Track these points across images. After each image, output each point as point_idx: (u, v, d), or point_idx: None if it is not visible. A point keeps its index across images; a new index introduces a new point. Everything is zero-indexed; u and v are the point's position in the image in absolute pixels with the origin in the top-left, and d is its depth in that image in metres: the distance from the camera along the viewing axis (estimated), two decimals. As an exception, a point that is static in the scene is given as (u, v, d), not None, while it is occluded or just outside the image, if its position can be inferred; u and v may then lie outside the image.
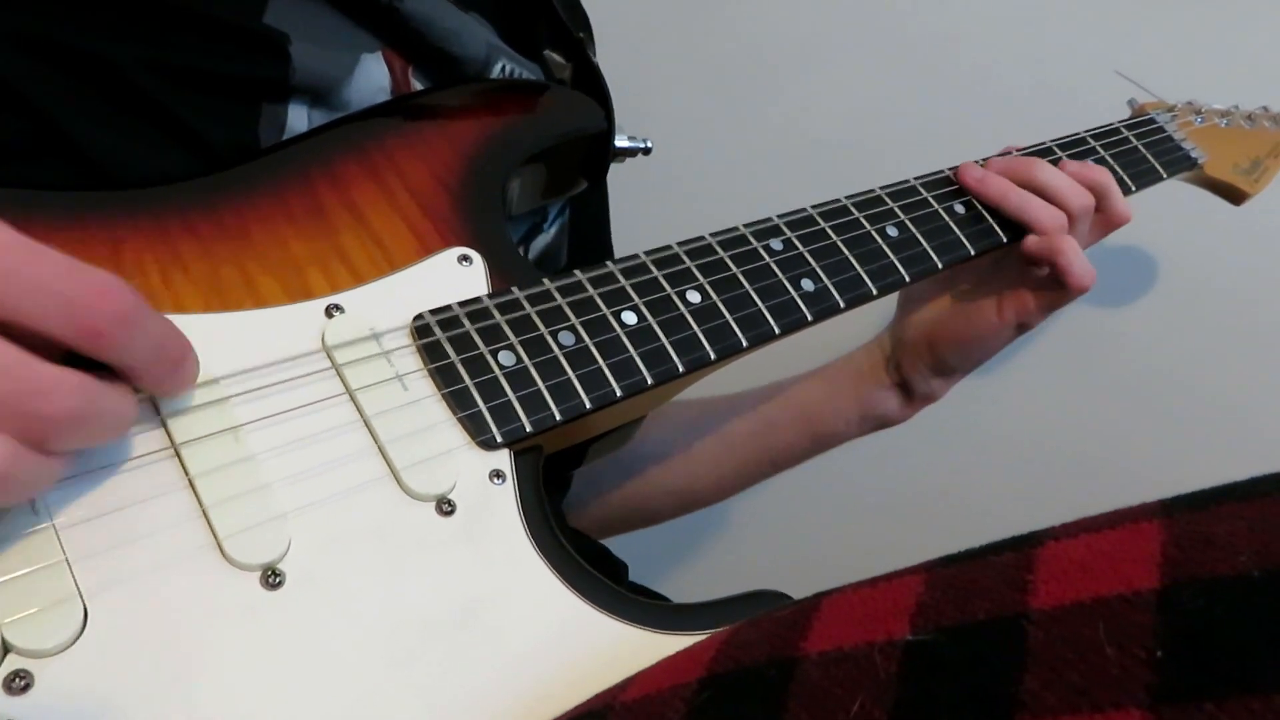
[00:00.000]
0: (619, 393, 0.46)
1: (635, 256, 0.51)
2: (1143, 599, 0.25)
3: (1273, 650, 0.22)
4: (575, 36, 0.60)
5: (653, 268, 0.51)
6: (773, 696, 0.28)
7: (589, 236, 0.69)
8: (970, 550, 0.30)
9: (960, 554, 0.30)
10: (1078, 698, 0.23)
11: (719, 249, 0.53)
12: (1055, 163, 0.64)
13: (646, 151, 0.63)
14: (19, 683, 0.33)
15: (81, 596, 0.34)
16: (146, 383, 0.36)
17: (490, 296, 0.47)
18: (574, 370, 0.46)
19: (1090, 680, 0.24)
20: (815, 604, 0.31)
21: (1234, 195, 0.78)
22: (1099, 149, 0.67)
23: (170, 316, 0.41)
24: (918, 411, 0.69)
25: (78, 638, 0.34)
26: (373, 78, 0.53)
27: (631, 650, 0.40)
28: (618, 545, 0.69)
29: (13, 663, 0.33)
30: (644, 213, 0.72)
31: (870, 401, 0.69)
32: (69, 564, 0.35)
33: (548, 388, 0.45)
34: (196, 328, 0.42)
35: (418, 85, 0.56)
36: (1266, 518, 0.25)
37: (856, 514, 0.93)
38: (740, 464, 0.72)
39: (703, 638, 0.34)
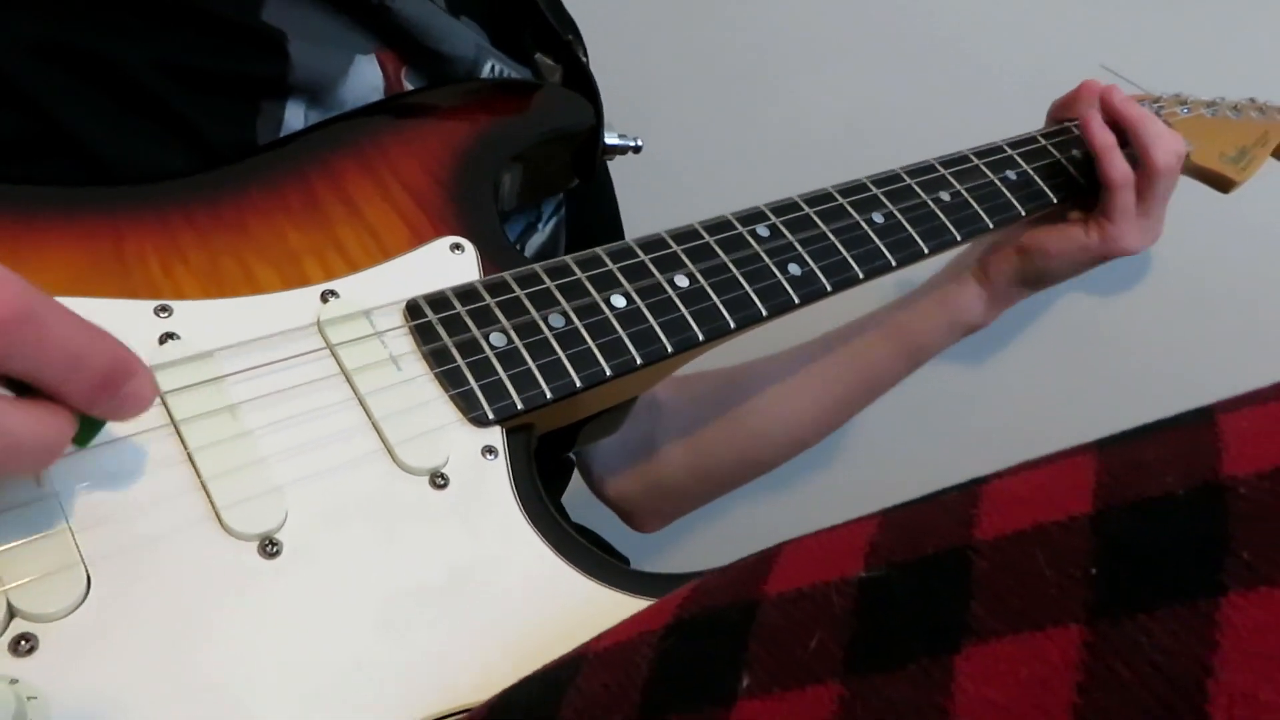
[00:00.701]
0: (609, 372, 0.47)
1: (624, 243, 0.52)
2: (1077, 523, 0.25)
3: (1196, 560, 0.23)
4: (564, 39, 0.62)
5: (641, 253, 0.52)
6: (734, 637, 0.29)
7: (602, 234, 0.70)
8: (922, 496, 0.31)
9: (913, 500, 0.31)
10: (1019, 619, 0.24)
11: (706, 234, 0.54)
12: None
13: (636, 150, 0.64)
14: (25, 645, 0.34)
15: (84, 563, 0.35)
16: (73, 400, 0.32)
17: (481, 280, 0.48)
18: (564, 350, 0.47)
19: (1030, 602, 0.24)
20: (777, 550, 0.32)
21: (1222, 183, 0.79)
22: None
23: (170, 302, 0.43)
24: (999, 314, 0.73)
25: (81, 603, 0.35)
26: (366, 78, 0.55)
27: (615, 613, 0.40)
28: (617, 542, 0.70)
29: (18, 626, 0.34)
30: (635, 211, 0.73)
31: (956, 305, 0.72)
32: (72, 532, 0.36)
33: (538, 367, 0.46)
34: (195, 311, 0.43)
35: (410, 86, 0.57)
36: (1190, 441, 0.26)
37: (852, 508, 0.93)
38: (840, 396, 0.74)
39: None
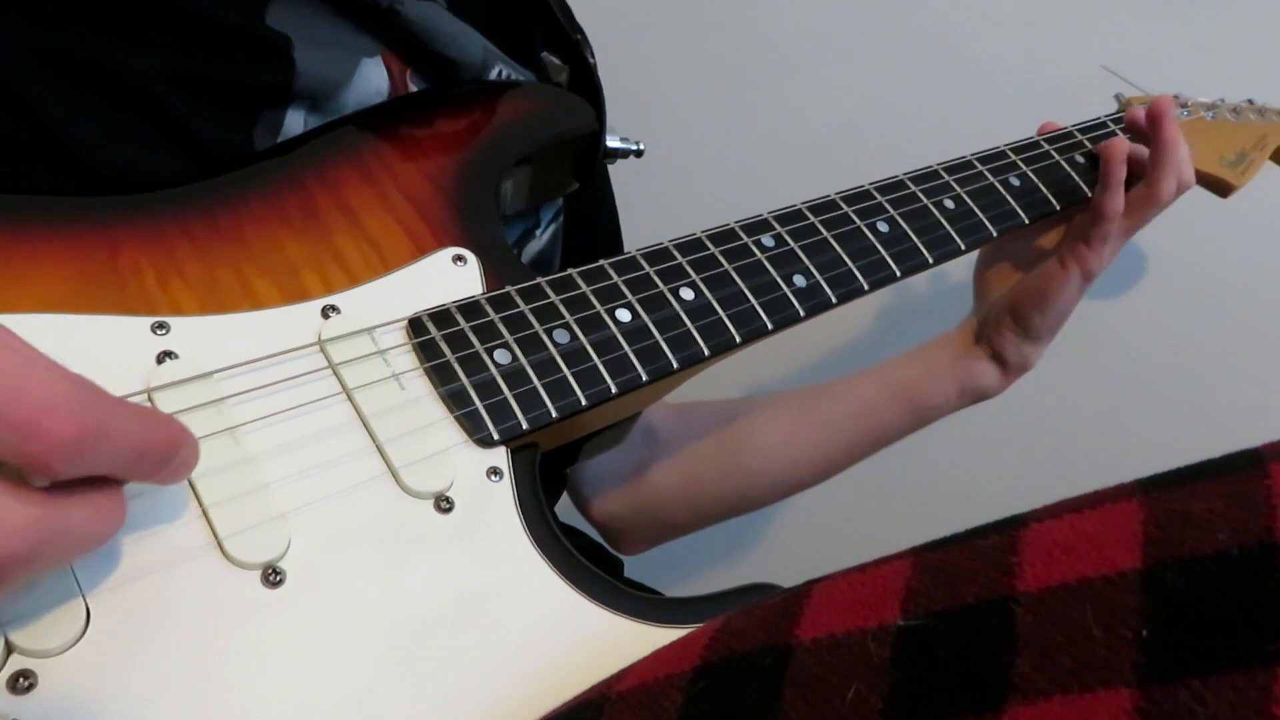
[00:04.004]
0: (614, 390, 0.47)
1: (628, 254, 0.51)
2: (1126, 579, 0.25)
3: (1252, 626, 0.23)
4: (572, 38, 0.61)
5: (645, 264, 0.51)
6: (768, 684, 0.28)
7: (600, 241, 0.70)
8: (956, 535, 0.31)
9: (946, 538, 0.31)
10: (1068, 679, 0.24)
11: (710, 245, 0.53)
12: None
13: (638, 154, 0.63)
14: (23, 683, 0.33)
15: (84, 597, 0.35)
16: (134, 480, 0.33)
17: (485, 295, 0.47)
18: (569, 368, 0.46)
19: (1079, 661, 0.24)
20: (806, 591, 0.31)
21: (1221, 188, 0.78)
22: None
23: (167, 319, 0.42)
24: (1014, 381, 0.72)
25: (80, 638, 0.34)
26: (371, 82, 0.53)
27: (628, 643, 0.40)
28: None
29: (16, 663, 0.33)
30: (637, 215, 0.72)
31: (967, 375, 0.71)
32: (71, 565, 0.35)
33: (544, 385, 0.45)
34: (193, 328, 0.42)
35: (415, 89, 0.56)
36: (1241, 494, 0.26)
37: (848, 506, 0.94)
38: (845, 447, 0.73)
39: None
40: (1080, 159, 0.69)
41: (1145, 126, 0.67)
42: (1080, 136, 0.70)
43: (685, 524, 0.76)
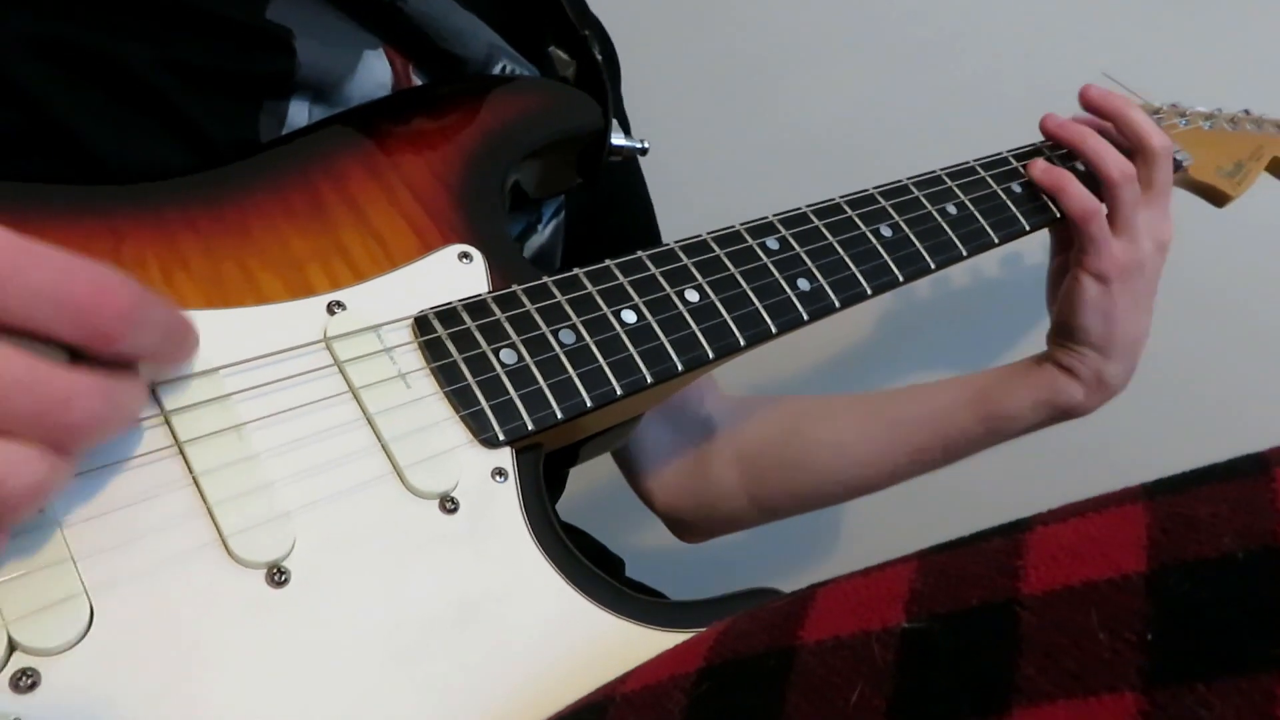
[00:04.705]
0: (619, 391, 0.47)
1: (634, 254, 0.51)
2: (1131, 583, 0.25)
3: (1258, 630, 0.23)
4: (580, 33, 0.60)
5: (651, 266, 0.51)
6: (772, 685, 0.28)
7: (638, 232, 0.69)
8: (960, 538, 0.31)
9: (950, 542, 0.31)
10: (1072, 682, 0.24)
11: (715, 247, 0.53)
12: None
13: (643, 151, 0.63)
14: (26, 681, 0.32)
15: (87, 594, 0.34)
16: (153, 365, 0.36)
17: (491, 294, 0.47)
18: (575, 369, 0.46)
19: (1084, 665, 0.24)
20: (810, 594, 0.31)
21: (1216, 197, 0.79)
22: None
23: (173, 311, 0.41)
24: (1103, 398, 0.70)
25: (84, 636, 0.34)
26: (375, 74, 0.53)
27: (631, 646, 0.40)
28: (614, 543, 0.70)
29: (19, 661, 0.33)
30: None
31: (1040, 385, 0.69)
32: (74, 562, 0.35)
33: (549, 386, 0.45)
34: (198, 324, 0.42)
35: (419, 82, 0.56)
36: (1246, 498, 0.26)
37: (852, 510, 0.94)
38: (915, 451, 0.72)
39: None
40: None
41: (1096, 111, 0.70)
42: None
43: (749, 518, 0.75)
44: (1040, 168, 0.66)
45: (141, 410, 0.36)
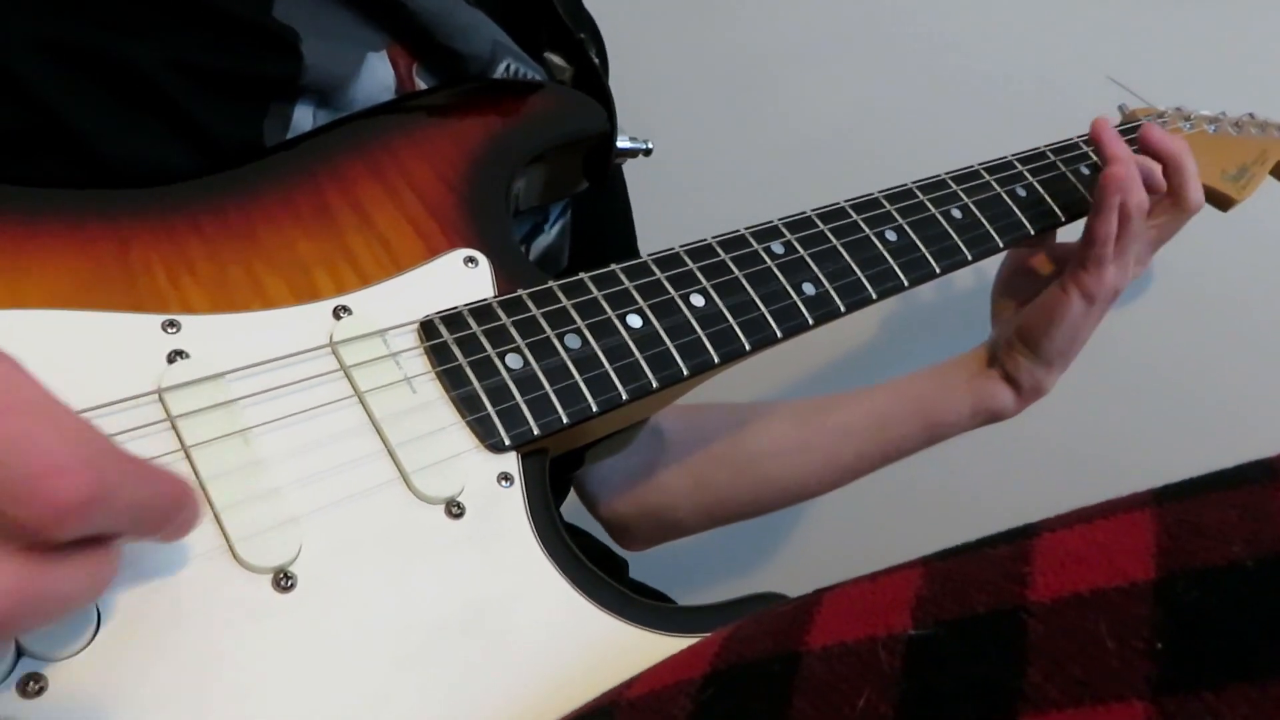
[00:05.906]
0: (625, 396, 0.47)
1: (639, 259, 0.51)
2: (1139, 590, 0.25)
3: (1267, 638, 0.23)
4: (576, 38, 0.60)
5: (656, 270, 0.51)
6: (778, 690, 0.28)
7: (613, 240, 0.69)
8: (967, 544, 0.31)
9: (957, 547, 0.31)
10: (1080, 690, 0.24)
11: (721, 251, 0.53)
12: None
13: (647, 153, 0.63)
14: (34, 686, 0.33)
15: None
16: (135, 538, 0.32)
17: (497, 299, 0.47)
18: (580, 374, 0.46)
19: (1091, 672, 0.24)
20: (816, 599, 0.32)
21: (1222, 201, 0.79)
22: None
23: (178, 317, 0.41)
24: (1029, 404, 0.72)
25: (91, 641, 0.34)
26: (378, 77, 0.53)
27: (637, 651, 0.40)
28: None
29: (27, 666, 0.33)
30: (645, 215, 0.72)
31: (980, 394, 0.71)
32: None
33: (555, 391, 0.45)
34: (204, 327, 0.42)
35: (422, 84, 0.56)
36: (1255, 505, 0.26)
37: (858, 515, 0.94)
38: (855, 458, 0.73)
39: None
40: (1085, 170, 0.69)
41: (1156, 152, 0.67)
42: (1086, 149, 0.70)
43: (693, 525, 0.76)
44: (1113, 173, 0.64)
45: (101, 589, 0.30)
